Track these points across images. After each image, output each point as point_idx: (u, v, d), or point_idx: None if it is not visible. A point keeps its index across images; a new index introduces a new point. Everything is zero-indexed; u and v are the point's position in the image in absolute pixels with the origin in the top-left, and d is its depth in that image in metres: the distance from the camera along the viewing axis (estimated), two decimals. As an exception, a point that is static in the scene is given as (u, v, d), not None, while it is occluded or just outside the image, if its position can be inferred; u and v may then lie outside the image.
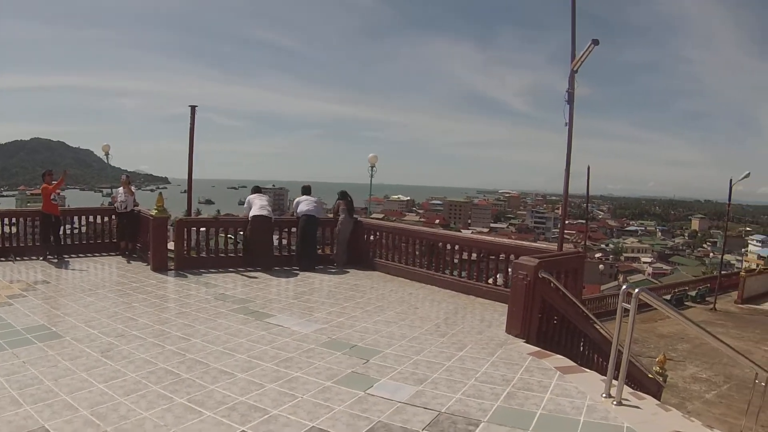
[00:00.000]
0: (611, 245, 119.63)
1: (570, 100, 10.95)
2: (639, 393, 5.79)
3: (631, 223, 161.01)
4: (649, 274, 79.24)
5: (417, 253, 9.76)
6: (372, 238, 10.64)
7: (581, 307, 6.60)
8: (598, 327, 6.97)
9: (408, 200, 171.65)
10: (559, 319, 6.46)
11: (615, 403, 4.43)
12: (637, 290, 4.21)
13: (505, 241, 9.97)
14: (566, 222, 9.30)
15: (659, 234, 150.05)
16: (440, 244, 9.53)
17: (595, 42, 10.80)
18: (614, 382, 4.91)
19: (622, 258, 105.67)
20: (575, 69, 11.05)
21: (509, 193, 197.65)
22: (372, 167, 17.07)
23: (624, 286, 4.41)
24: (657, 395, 9.93)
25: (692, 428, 4.58)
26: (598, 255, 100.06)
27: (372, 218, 13.97)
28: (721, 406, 13.74)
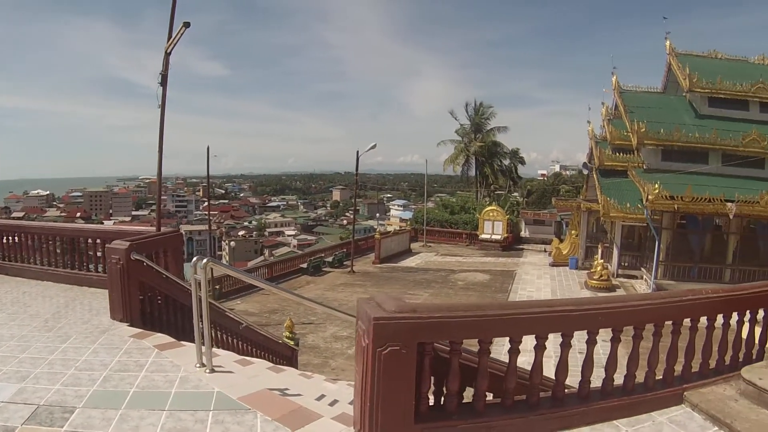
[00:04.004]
0: (254, 222, 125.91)
1: (163, 82, 11.03)
2: (248, 359, 6.35)
3: (272, 198, 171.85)
4: (294, 246, 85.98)
5: (32, 249, 9.39)
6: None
7: (181, 283, 6.99)
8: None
9: (48, 195, 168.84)
10: (164, 298, 6.83)
11: (208, 371, 4.75)
12: (204, 260, 4.67)
13: (104, 227, 9.95)
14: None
15: (301, 207, 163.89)
16: (46, 237, 9.16)
17: (186, 24, 11.10)
18: (217, 351, 5.15)
19: (266, 233, 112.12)
20: (168, 51, 11.10)
21: (149, 178, 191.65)
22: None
23: (194, 258, 4.76)
24: (293, 359, 10.84)
25: (295, 382, 5.11)
26: (242, 233, 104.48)
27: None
28: (362, 359, 15.60)
